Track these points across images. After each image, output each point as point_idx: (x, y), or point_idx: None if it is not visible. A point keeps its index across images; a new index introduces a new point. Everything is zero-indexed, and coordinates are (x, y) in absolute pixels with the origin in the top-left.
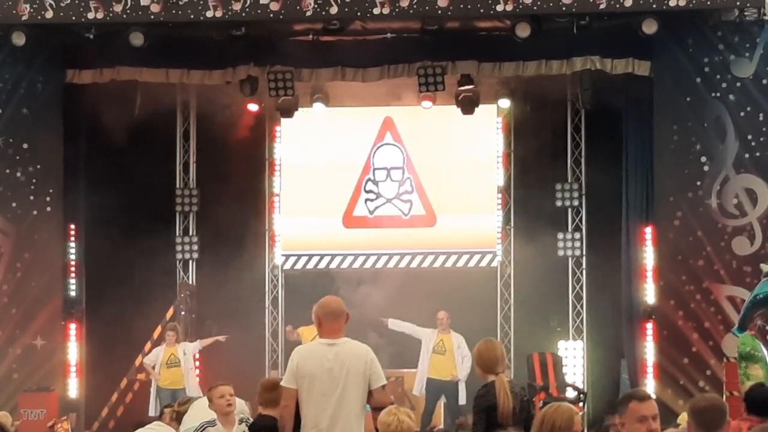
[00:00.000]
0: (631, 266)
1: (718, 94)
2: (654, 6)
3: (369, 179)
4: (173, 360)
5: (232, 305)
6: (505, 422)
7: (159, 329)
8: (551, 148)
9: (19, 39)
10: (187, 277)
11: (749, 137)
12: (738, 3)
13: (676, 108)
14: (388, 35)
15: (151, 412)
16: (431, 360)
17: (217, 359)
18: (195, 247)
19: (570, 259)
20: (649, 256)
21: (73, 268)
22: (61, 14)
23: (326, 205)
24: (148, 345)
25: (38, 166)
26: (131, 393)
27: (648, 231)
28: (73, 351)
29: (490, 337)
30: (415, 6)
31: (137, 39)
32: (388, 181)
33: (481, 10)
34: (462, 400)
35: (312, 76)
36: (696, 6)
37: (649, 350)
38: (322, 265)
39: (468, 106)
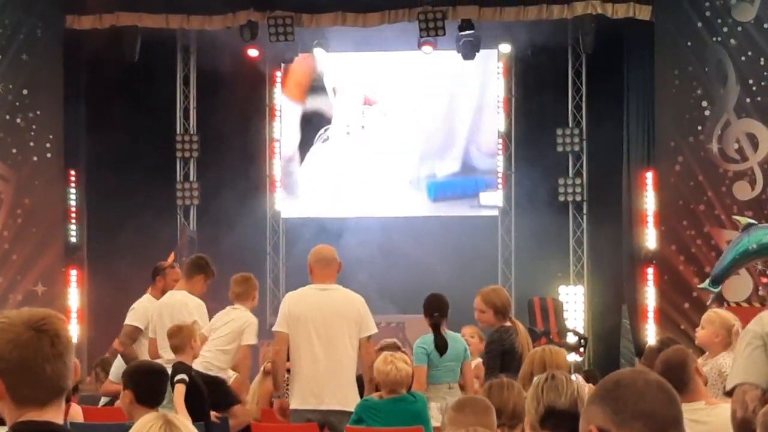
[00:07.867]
0: (632, 211)
1: (719, 39)
2: None
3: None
4: None
5: (233, 251)
6: None
7: None
8: (552, 93)
9: None
10: (188, 223)
11: (750, 81)
12: None
13: (677, 52)
14: None
15: None
16: None
17: (220, 305)
18: (196, 193)
19: (571, 204)
20: (650, 201)
21: (73, 214)
22: None
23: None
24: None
25: (38, 112)
26: None
27: (649, 176)
28: (74, 297)
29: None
30: None
31: None
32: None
33: None
34: None
35: (312, 21)
36: None
37: (650, 295)
38: (321, 214)
39: (469, 51)
